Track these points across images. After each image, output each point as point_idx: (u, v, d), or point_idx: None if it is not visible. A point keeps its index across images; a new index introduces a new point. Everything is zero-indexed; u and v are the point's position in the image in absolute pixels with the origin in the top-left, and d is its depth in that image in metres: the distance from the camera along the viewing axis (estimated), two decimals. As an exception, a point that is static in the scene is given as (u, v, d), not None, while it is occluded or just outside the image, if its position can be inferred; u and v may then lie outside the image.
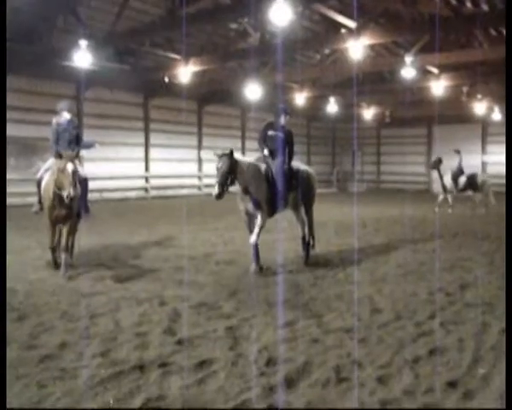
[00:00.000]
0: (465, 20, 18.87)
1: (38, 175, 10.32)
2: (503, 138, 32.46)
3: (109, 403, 4.61)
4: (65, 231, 9.72)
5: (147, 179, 30.58)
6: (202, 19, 19.78)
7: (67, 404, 4.58)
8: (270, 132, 10.31)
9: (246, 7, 17.98)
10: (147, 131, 30.72)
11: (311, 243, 10.89)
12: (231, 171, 9.36)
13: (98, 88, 27.06)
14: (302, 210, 10.79)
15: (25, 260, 10.76)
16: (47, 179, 9.76)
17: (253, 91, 26.09)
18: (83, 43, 19.42)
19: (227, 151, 9.52)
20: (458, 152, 22.61)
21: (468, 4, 19.46)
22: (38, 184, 10.21)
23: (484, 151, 39.07)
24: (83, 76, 23.80)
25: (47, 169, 10.07)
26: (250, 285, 8.97)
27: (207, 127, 34.24)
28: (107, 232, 15.33)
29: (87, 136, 27.03)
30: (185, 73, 23.36)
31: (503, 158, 38.71)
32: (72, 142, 10.48)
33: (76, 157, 9.42)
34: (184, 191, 31.44)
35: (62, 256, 9.57)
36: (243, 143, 36.96)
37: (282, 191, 9.90)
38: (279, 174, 9.91)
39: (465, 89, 30.08)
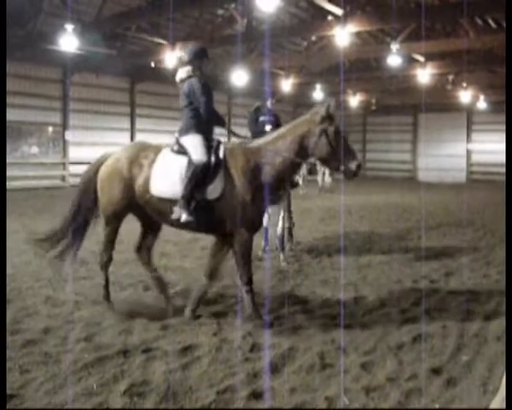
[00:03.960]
0: (451, 8, 18.88)
1: (204, 158, 6.39)
2: (488, 127, 32.60)
3: (92, 388, 4.60)
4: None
5: (132, 164, 30.42)
6: (189, 4, 19.63)
7: (51, 389, 4.56)
8: (262, 118, 10.13)
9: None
10: (133, 117, 30.56)
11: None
12: None
13: (84, 72, 26.87)
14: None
15: (10, 243, 10.67)
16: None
17: (239, 78, 25.97)
18: (69, 27, 19.23)
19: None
20: None
21: (454, -7, 19.44)
22: (206, 169, 6.38)
23: (469, 139, 39.25)
24: (69, 60, 23.65)
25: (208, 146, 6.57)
26: (235, 271, 8.95)
27: (193, 113, 34.09)
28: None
29: (73, 120, 27.13)
30: (171, 58, 23.22)
31: (487, 146, 38.92)
32: None
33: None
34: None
35: (246, 294, 6.58)
36: (229, 129, 36.81)
37: None
38: None
39: (451, 77, 30.15)
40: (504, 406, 2.77)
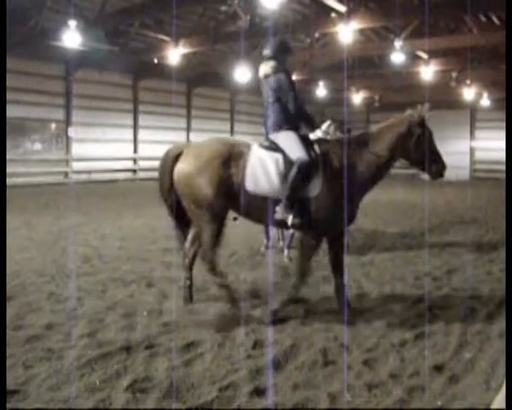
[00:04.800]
0: (454, 5, 18.84)
1: (305, 156, 6.25)
2: (492, 124, 32.49)
3: (95, 384, 4.61)
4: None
5: (135, 161, 30.47)
6: (192, 0, 19.65)
7: (54, 384, 4.57)
8: None
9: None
10: (136, 113, 30.59)
11: None
12: None
13: (87, 69, 26.88)
14: None
15: (12, 240, 10.70)
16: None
17: (242, 74, 25.98)
18: (72, 23, 19.25)
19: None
20: None
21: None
22: (309, 167, 6.25)
23: (472, 137, 39.17)
24: (72, 56, 23.68)
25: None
26: (237, 267, 8.97)
27: (196, 109, 34.12)
28: (94, 213, 15.28)
29: (76, 117, 27.16)
30: (175, 54, 23.24)
31: (490, 144, 38.83)
32: None
33: None
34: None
35: (293, 287, 6.74)
36: (232, 126, 36.88)
37: None
38: None
39: (454, 74, 30.13)
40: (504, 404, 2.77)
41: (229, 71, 27.42)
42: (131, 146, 30.40)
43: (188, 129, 33.65)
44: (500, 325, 6.18)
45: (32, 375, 4.73)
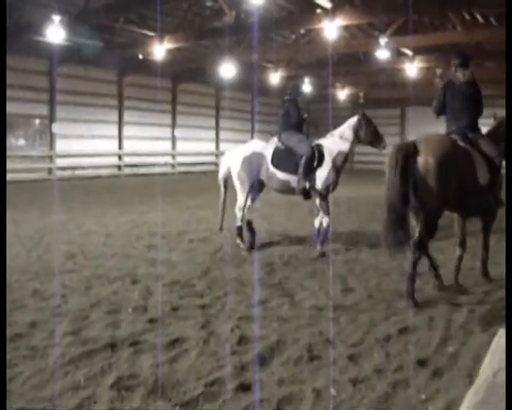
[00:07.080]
0: (439, 2, 18.92)
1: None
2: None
3: (80, 382, 4.60)
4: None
5: (120, 157, 30.36)
6: (177, -4, 19.62)
7: (38, 383, 4.56)
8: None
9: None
10: (120, 109, 30.44)
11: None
12: None
13: (72, 64, 26.71)
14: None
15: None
16: None
17: (227, 70, 25.95)
18: (56, 18, 19.13)
19: None
20: None
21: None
22: None
23: (456, 133, 39.33)
24: (56, 52, 23.51)
25: None
26: (223, 264, 8.97)
27: (182, 105, 34.04)
28: (78, 210, 15.22)
29: (60, 113, 27.00)
30: (160, 50, 23.17)
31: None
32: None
33: None
34: (158, 169, 31.29)
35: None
36: (217, 122, 36.85)
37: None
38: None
39: (438, 71, 30.21)
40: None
41: (214, 67, 27.38)
42: (116, 142, 30.26)
43: (173, 125, 33.57)
44: (483, 319, 6.23)
45: (16, 373, 4.71)
